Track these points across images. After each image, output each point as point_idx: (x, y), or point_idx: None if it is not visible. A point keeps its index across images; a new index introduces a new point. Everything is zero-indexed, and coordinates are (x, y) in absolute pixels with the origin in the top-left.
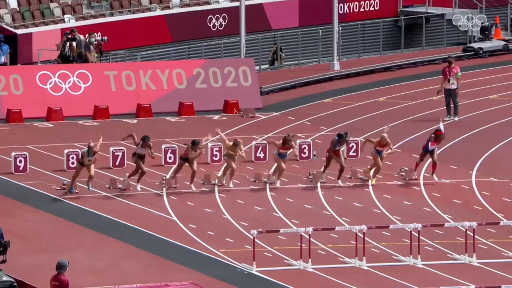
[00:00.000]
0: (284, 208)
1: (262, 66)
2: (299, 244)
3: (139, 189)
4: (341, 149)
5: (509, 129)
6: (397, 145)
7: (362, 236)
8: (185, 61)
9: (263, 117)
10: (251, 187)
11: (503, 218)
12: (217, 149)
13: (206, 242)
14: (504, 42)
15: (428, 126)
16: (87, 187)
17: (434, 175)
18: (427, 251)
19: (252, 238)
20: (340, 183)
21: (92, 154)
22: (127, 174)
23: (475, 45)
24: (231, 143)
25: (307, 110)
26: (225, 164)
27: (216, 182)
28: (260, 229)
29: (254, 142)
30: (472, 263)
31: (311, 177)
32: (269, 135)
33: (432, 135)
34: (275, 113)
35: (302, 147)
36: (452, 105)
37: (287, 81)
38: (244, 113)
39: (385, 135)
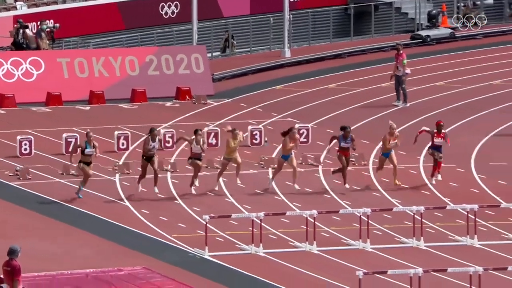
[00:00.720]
0: (236, 193)
1: (214, 54)
2: (251, 229)
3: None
4: (349, 146)
5: (456, 114)
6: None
7: (313, 220)
8: (138, 48)
9: (215, 103)
10: (203, 173)
11: (449, 203)
12: (170, 135)
13: (159, 227)
14: (450, 30)
15: (378, 112)
16: (79, 187)
17: (439, 175)
18: (376, 235)
19: (204, 223)
20: (347, 186)
21: (91, 146)
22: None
23: (423, 33)
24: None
25: (259, 97)
26: (221, 167)
27: (217, 188)
28: (212, 214)
29: (206, 129)
30: (420, 247)
31: (262, 162)
32: (222, 121)
33: (434, 130)
34: (227, 100)
35: (254, 133)
36: (401, 91)
37: (239, 68)
38: (196, 99)
39: (394, 124)
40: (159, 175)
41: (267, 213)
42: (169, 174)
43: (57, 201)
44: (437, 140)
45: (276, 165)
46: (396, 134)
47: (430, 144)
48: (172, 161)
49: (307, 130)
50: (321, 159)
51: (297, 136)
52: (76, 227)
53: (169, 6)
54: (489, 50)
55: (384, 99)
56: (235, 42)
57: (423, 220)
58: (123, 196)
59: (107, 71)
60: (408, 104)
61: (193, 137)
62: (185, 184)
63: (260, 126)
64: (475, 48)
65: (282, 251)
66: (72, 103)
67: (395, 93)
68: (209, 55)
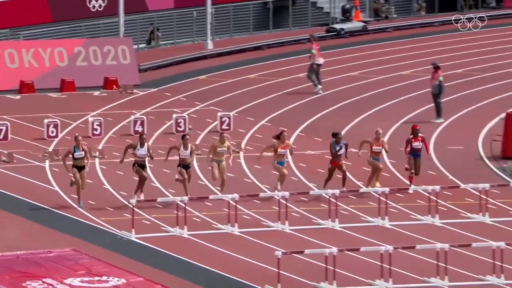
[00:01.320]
0: (162, 178)
1: (140, 45)
2: (176, 212)
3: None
4: (341, 153)
5: (370, 103)
6: (268, 118)
7: (234, 204)
8: (66, 40)
9: (141, 93)
10: (130, 159)
11: (362, 186)
12: (98, 123)
13: (87, 211)
14: (363, 23)
15: (296, 101)
16: (79, 203)
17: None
18: (294, 217)
19: (131, 207)
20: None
21: (80, 150)
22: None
23: (337, 26)
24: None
25: (183, 87)
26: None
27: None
28: (139, 198)
29: (132, 117)
30: (335, 228)
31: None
32: (147, 110)
33: (410, 136)
34: (152, 89)
35: (178, 121)
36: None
37: (164, 59)
38: (123, 89)
39: (380, 130)
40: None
41: (191, 197)
42: (97, 160)
43: None
44: (416, 144)
45: (278, 173)
46: (382, 139)
47: (409, 149)
48: (100, 147)
49: (229, 118)
50: (242, 146)
51: (288, 142)
52: (7, 211)
53: (96, 0)
54: (399, 42)
55: (301, 88)
56: (160, 34)
57: (338, 202)
58: (52, 182)
59: (37, 62)
60: (316, 90)
61: (180, 142)
62: (113, 169)
63: (184, 114)
64: (386, 40)
65: (206, 233)
66: (2, 93)
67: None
68: (135, 47)
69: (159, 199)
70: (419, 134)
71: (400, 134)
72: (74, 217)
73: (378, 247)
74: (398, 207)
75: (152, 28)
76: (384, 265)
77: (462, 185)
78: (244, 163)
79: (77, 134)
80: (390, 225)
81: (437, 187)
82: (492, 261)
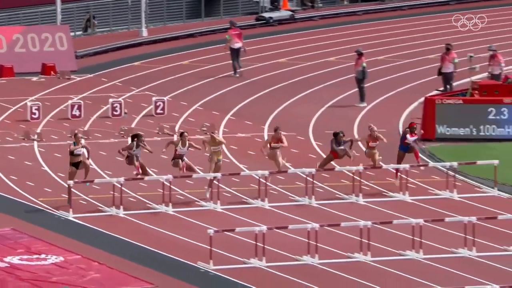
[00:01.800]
0: (98, 160)
1: (77, 33)
2: (112, 192)
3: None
4: (342, 148)
5: (297, 88)
6: (200, 102)
7: (169, 184)
8: (5, 28)
9: (78, 78)
10: (67, 141)
11: (290, 167)
12: (36, 108)
13: (26, 192)
14: (291, 12)
15: (227, 86)
16: (87, 184)
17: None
18: (225, 197)
19: (68, 187)
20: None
21: (79, 146)
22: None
23: (266, 15)
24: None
25: (118, 73)
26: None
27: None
28: (76, 180)
29: (70, 102)
30: (264, 207)
31: (122, 132)
32: (85, 94)
33: (407, 129)
34: (89, 75)
35: (114, 106)
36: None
37: (100, 46)
38: (60, 75)
39: (374, 127)
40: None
41: (127, 178)
42: (35, 143)
43: None
44: (410, 138)
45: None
46: (377, 135)
47: (399, 144)
48: (38, 131)
49: (163, 102)
50: (176, 129)
51: (283, 137)
52: None
53: None
54: (325, 30)
55: (231, 74)
56: (96, 22)
57: (267, 183)
58: None
59: None
60: (236, 74)
61: (178, 139)
62: (51, 151)
63: (120, 99)
64: (313, 28)
65: (141, 213)
66: None
67: (245, 68)
68: (72, 34)
69: (96, 180)
70: (415, 132)
71: (326, 118)
72: (13, 198)
73: (305, 225)
74: (325, 187)
75: (88, 16)
76: (310, 242)
77: (384, 166)
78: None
79: (76, 131)
80: (317, 203)
81: (361, 168)
82: (411, 237)
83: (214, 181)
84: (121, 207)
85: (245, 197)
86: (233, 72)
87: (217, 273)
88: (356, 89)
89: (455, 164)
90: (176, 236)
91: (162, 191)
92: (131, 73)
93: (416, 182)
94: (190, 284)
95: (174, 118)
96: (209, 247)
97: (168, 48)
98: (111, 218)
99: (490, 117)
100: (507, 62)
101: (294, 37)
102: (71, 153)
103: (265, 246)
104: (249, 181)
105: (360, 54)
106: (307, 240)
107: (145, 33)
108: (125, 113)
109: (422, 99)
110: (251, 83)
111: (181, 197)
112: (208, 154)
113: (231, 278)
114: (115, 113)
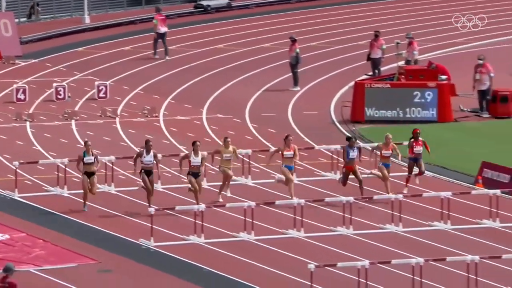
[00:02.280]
0: (42, 142)
1: (21, 19)
2: (56, 173)
3: None
4: (354, 156)
5: (233, 73)
6: (141, 87)
7: (111, 165)
8: None
9: (23, 63)
10: (13, 124)
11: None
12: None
13: None
14: (227, 0)
15: (167, 70)
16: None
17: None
18: (166, 177)
19: (15, 168)
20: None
21: (90, 154)
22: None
23: (204, 3)
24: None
25: (62, 58)
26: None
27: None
28: (21, 160)
29: (15, 86)
30: (203, 186)
31: (66, 115)
32: (30, 79)
33: (411, 139)
34: (33, 60)
35: (58, 89)
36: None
37: (44, 32)
38: (5, 60)
39: (390, 135)
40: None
41: (70, 159)
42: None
43: None
44: (417, 149)
45: (284, 177)
46: (392, 144)
47: (409, 155)
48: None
49: (106, 87)
50: (118, 112)
51: (294, 145)
52: None
53: None
54: (260, 18)
55: (172, 59)
56: (40, 9)
57: (207, 164)
58: None
59: None
60: (168, 58)
61: (190, 149)
62: None
63: (64, 83)
64: (249, 16)
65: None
66: None
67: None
68: (16, 20)
69: (41, 161)
70: (420, 138)
71: (261, 101)
72: None
73: (242, 203)
74: (260, 167)
75: (33, 3)
76: (247, 219)
77: (317, 147)
78: (120, 128)
79: (86, 139)
80: (253, 183)
81: (249, 151)
82: (342, 214)
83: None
84: (65, 186)
85: (184, 177)
86: (153, 52)
87: (158, 250)
88: (290, 73)
89: None
90: (119, 214)
91: (105, 171)
92: (75, 58)
93: None
94: (132, 260)
95: (116, 102)
96: (150, 225)
97: (110, 34)
98: (56, 198)
99: (416, 100)
100: (430, 49)
101: (231, 24)
102: (82, 161)
103: (204, 224)
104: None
105: (293, 41)
106: (243, 218)
107: (87, 20)
108: (69, 96)
109: (352, 83)
110: (190, 68)
111: (123, 177)
112: (218, 159)
113: (171, 254)
114: (59, 96)
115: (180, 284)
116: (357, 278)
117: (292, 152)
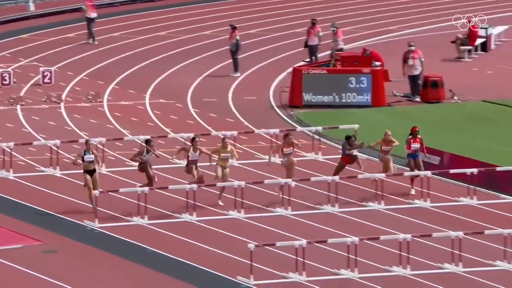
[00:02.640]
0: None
1: None
2: (2, 156)
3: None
4: (353, 153)
5: (176, 59)
6: (86, 73)
7: (56, 149)
8: None
9: None
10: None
11: (171, 132)
12: (6, 75)
13: None
14: None
15: (111, 56)
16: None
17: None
18: (110, 160)
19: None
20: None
21: (90, 153)
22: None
23: None
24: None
25: (7, 44)
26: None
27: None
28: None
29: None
30: (102, 171)
31: (11, 100)
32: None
33: (409, 137)
34: None
35: (4, 75)
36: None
37: None
38: None
39: (389, 132)
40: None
41: (16, 143)
42: None
43: None
44: (414, 145)
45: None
46: (391, 139)
47: (407, 152)
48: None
49: (51, 72)
50: (63, 97)
51: (295, 141)
52: None
53: None
54: (201, 6)
55: (116, 46)
56: None
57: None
58: None
59: None
60: (95, 42)
61: (190, 145)
62: None
63: (9, 69)
64: (190, 4)
65: (30, 175)
66: None
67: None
68: None
69: None
70: (418, 136)
71: (202, 87)
72: None
73: (184, 186)
74: (244, 148)
75: None
76: (189, 200)
77: (256, 131)
78: (65, 113)
79: (87, 138)
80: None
81: (235, 132)
82: (281, 195)
83: (99, 145)
84: (11, 170)
85: (127, 160)
86: (91, 40)
87: (102, 231)
88: (231, 60)
89: (320, 128)
90: (63, 196)
91: (50, 155)
92: (20, 45)
93: None
94: (77, 241)
95: (61, 87)
96: (95, 207)
97: (54, 21)
98: (1, 181)
99: (351, 85)
100: (365, 36)
101: (173, 12)
102: (83, 160)
103: (147, 206)
104: (132, 145)
105: (234, 28)
106: (185, 199)
107: (32, 7)
108: (14, 82)
109: (290, 69)
110: (133, 55)
111: (67, 160)
112: (215, 157)
113: (115, 235)
114: (4, 82)
115: (124, 264)
116: (295, 257)
117: (290, 149)
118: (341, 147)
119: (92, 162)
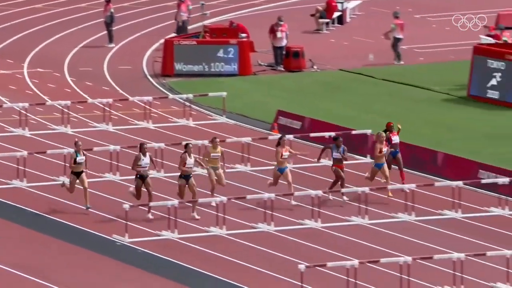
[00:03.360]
0: None
1: None
2: None
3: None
4: (338, 157)
5: (52, 30)
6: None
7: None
8: None
9: None
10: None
11: (48, 100)
12: None
13: None
14: None
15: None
16: (86, 207)
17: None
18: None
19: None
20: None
21: (81, 154)
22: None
23: None
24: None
25: None
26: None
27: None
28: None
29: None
30: (25, 135)
31: None
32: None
33: (387, 132)
34: None
35: None
36: None
37: None
38: None
39: (382, 133)
40: None
41: None
42: None
43: None
44: (394, 138)
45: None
46: (385, 141)
47: (388, 147)
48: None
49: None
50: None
51: (288, 146)
52: None
53: None
54: None
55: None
56: None
57: (27, 114)
58: None
59: None
60: None
61: (184, 152)
62: None
63: None
64: None
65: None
66: None
67: (4, 13)
68: None
69: None
70: (393, 130)
71: (79, 56)
72: None
73: (62, 150)
74: (79, 116)
75: None
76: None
77: (131, 98)
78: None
79: (76, 139)
80: (72, 131)
81: (110, 100)
82: (159, 160)
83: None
84: None
85: (50, 124)
86: None
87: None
88: (105, 31)
89: (191, 96)
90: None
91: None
92: None
93: (158, 112)
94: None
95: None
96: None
97: None
98: None
99: (219, 55)
100: (232, 9)
101: None
102: (74, 161)
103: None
104: (11, 112)
105: (108, 1)
106: (63, 163)
107: None
108: None
109: (163, 40)
110: (11, 26)
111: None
112: (206, 160)
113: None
114: None
115: (68, 247)
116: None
117: (287, 153)
118: (342, 153)
119: (82, 164)
